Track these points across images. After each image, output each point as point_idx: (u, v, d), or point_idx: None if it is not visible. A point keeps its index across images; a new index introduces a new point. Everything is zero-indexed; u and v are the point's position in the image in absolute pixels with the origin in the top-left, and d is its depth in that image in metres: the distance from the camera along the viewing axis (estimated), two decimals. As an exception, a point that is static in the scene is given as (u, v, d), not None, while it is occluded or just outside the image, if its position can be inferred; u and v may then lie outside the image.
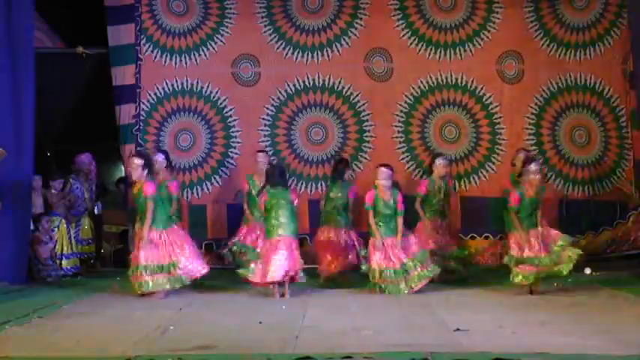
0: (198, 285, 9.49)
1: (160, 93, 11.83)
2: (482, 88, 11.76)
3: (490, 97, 11.75)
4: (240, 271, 9.33)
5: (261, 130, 11.78)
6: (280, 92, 11.81)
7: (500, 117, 11.75)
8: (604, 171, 11.56)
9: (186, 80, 11.83)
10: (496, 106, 11.75)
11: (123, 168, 12.08)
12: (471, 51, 11.79)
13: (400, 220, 9.25)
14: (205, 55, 11.86)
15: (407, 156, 11.60)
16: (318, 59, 11.83)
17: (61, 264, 10.86)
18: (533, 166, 9.02)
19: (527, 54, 11.81)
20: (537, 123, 11.75)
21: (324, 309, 8.15)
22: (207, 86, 11.82)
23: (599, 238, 11.44)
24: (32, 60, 10.23)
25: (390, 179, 9.34)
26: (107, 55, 11.79)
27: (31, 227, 10.54)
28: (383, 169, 9.42)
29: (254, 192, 10.17)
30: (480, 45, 11.79)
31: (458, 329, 6.76)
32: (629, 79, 11.51)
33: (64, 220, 10.98)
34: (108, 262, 12.21)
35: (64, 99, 11.88)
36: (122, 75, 11.78)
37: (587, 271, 10.42)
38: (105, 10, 11.70)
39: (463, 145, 11.64)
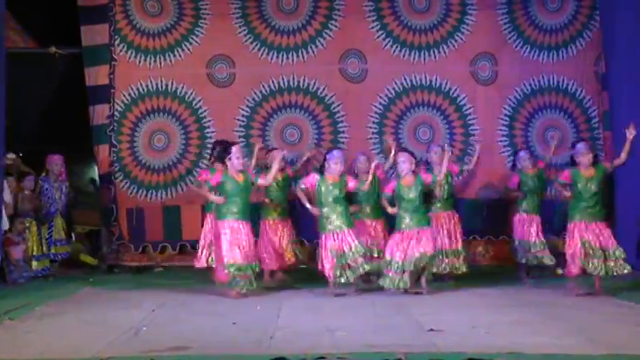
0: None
1: (135, 93, 11.78)
2: (456, 90, 11.81)
3: (464, 98, 11.80)
4: None
5: (236, 130, 11.75)
6: (255, 93, 11.80)
7: (474, 118, 11.81)
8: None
9: (161, 81, 11.79)
10: (470, 108, 11.81)
11: (96, 168, 12.02)
12: (445, 52, 11.84)
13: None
14: (180, 56, 11.83)
15: (381, 157, 11.59)
16: (292, 60, 11.83)
17: (31, 265, 10.81)
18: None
19: (500, 55, 11.87)
20: (511, 124, 11.82)
21: (299, 309, 8.16)
22: (182, 87, 11.79)
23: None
24: (3, 60, 10.09)
25: (341, 161, 9.36)
26: (81, 56, 11.73)
27: (5, 227, 10.46)
28: (335, 150, 9.60)
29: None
30: (454, 46, 11.84)
31: (432, 329, 6.78)
32: (601, 80, 11.62)
33: (34, 222, 10.92)
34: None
35: (36, 99, 11.83)
36: (96, 75, 11.72)
37: (560, 271, 10.50)
38: (78, 10, 11.63)
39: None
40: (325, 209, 9.26)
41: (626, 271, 8.91)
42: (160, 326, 7.22)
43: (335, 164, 9.33)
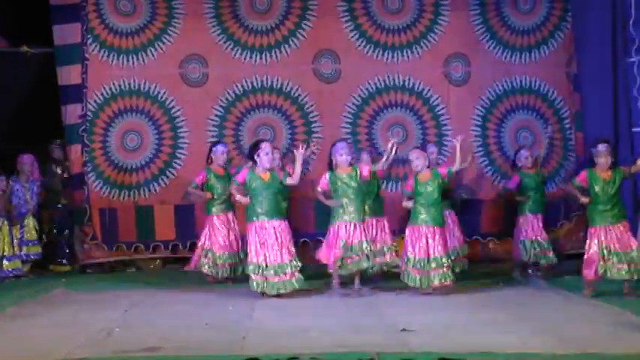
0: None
1: (107, 93, 11.71)
2: (429, 90, 11.84)
3: (437, 99, 11.84)
4: None
5: (209, 130, 11.72)
6: (228, 93, 11.77)
7: (447, 118, 11.85)
8: (548, 172, 11.68)
9: (134, 80, 11.73)
10: (443, 108, 11.84)
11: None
12: (418, 53, 11.86)
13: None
14: (153, 56, 11.77)
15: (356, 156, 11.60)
16: (266, 60, 11.81)
17: (1, 266, 10.74)
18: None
19: (473, 56, 11.91)
20: (483, 125, 11.87)
21: (271, 310, 8.17)
22: (155, 86, 11.73)
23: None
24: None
25: (346, 152, 9.29)
26: (53, 55, 11.66)
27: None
28: (338, 143, 9.51)
29: None
30: (427, 47, 11.87)
31: (404, 329, 6.82)
32: (573, 81, 11.71)
33: (5, 222, 10.86)
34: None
35: (8, 99, 11.72)
36: (68, 75, 11.63)
37: (530, 270, 10.57)
38: (50, 9, 11.55)
39: (409, 147, 11.66)
40: (344, 201, 9.20)
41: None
42: (132, 327, 7.21)
43: (341, 155, 9.25)
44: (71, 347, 6.24)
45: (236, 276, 10.03)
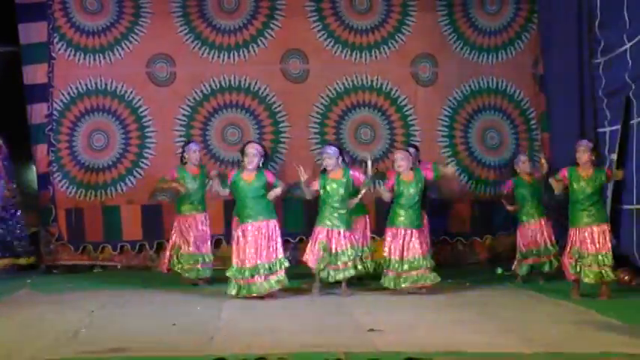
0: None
1: (74, 92, 11.65)
2: (396, 91, 11.89)
3: (404, 99, 11.89)
4: None
5: (177, 130, 11.70)
6: (196, 92, 11.75)
7: (414, 119, 11.90)
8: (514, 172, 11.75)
9: (101, 80, 11.68)
10: (410, 108, 11.90)
11: (34, 168, 11.83)
12: (385, 53, 11.91)
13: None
14: (120, 55, 11.73)
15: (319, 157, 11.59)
16: (234, 59, 11.80)
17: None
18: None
19: (441, 57, 11.98)
20: (450, 125, 11.94)
21: (240, 310, 8.14)
22: (122, 86, 11.69)
23: (509, 238, 11.62)
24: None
25: (337, 156, 9.15)
26: (18, 53, 11.57)
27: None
28: (326, 146, 9.44)
29: None
30: (394, 47, 11.92)
31: (372, 329, 6.83)
32: (539, 82, 11.80)
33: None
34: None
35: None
36: (34, 74, 11.58)
37: (499, 270, 10.64)
38: (16, 7, 11.46)
39: (377, 147, 11.73)
40: (329, 208, 9.07)
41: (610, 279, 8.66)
42: (99, 327, 7.15)
43: (329, 159, 9.07)
44: (37, 348, 6.18)
45: (209, 277, 9.98)
